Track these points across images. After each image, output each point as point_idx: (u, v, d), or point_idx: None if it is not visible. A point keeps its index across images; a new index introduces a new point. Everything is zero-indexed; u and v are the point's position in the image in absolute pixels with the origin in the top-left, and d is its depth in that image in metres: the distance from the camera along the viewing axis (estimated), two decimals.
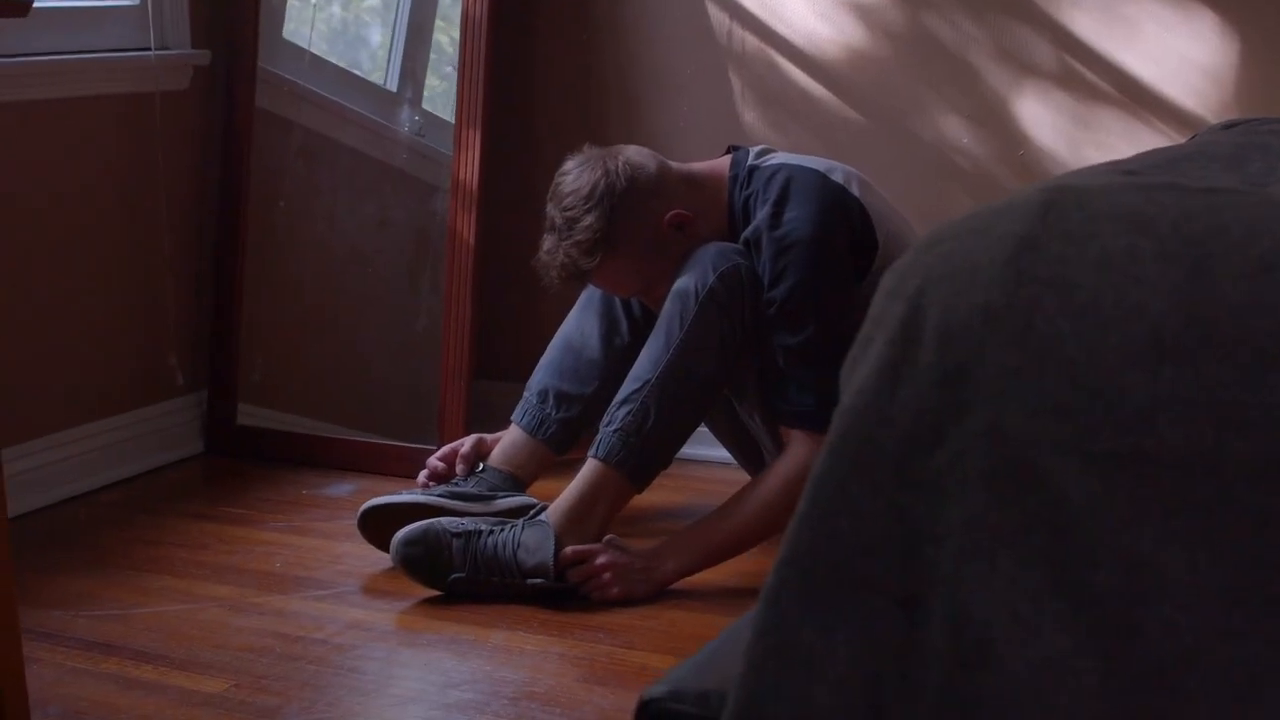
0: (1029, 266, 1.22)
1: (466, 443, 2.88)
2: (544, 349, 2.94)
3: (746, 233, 2.62)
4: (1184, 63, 2.88)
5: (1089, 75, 2.95)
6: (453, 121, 3.44)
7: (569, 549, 2.54)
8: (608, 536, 2.59)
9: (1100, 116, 2.95)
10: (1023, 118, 3.01)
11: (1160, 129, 2.90)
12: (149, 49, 3.23)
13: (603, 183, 2.64)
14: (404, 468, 3.23)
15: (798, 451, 2.59)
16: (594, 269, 2.65)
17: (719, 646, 1.41)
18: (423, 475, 2.88)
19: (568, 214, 2.64)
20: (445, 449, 2.90)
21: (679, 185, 2.70)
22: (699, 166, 2.75)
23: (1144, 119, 2.91)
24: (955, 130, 3.07)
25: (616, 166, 2.65)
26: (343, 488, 3.19)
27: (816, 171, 2.65)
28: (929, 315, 1.24)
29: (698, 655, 1.39)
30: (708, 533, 2.62)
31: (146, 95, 3.25)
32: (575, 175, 2.66)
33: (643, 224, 2.65)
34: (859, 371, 1.26)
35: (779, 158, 2.71)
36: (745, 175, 2.68)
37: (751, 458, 2.88)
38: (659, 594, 2.58)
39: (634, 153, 2.69)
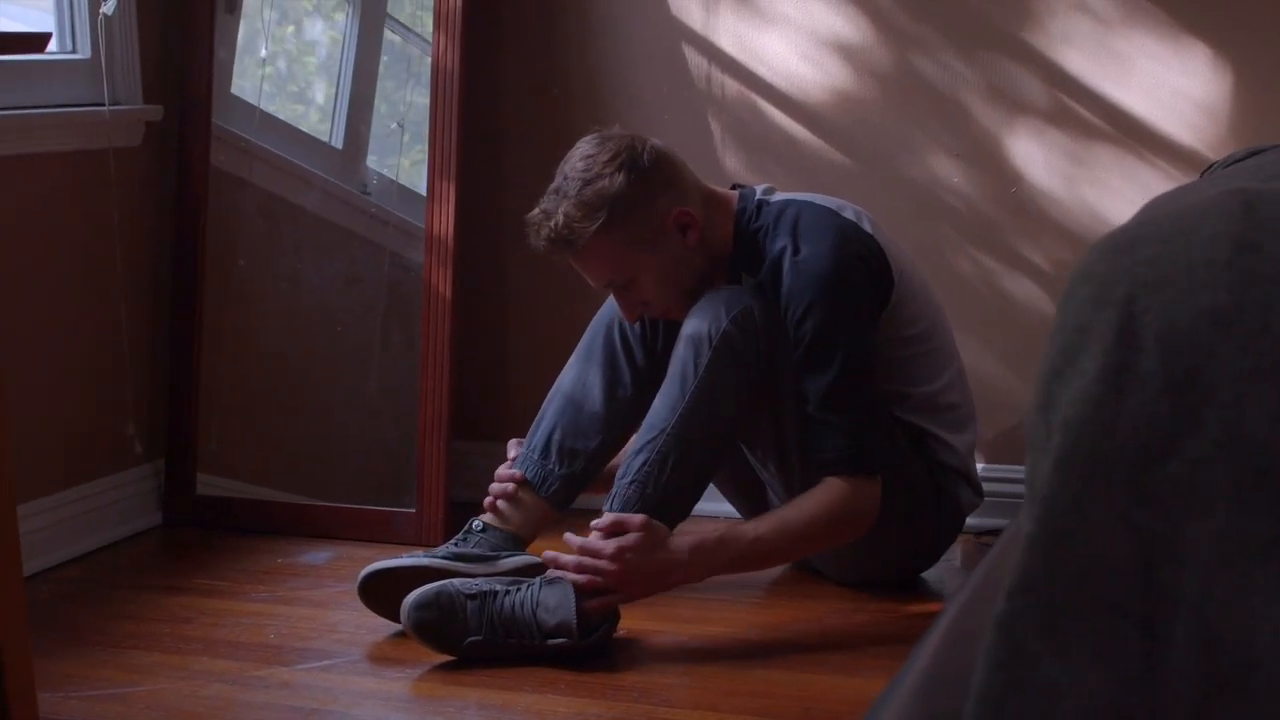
0: (1254, 266, 1.15)
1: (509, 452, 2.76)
2: (523, 406, 2.83)
3: (762, 274, 2.55)
4: (1178, 97, 2.87)
5: (1082, 112, 2.92)
6: (398, 180, 3.35)
7: (596, 522, 2.46)
8: (643, 517, 2.47)
9: (1095, 153, 2.93)
10: (1015, 155, 2.98)
11: (1156, 164, 2.88)
12: (102, 104, 3.09)
13: (626, 154, 2.53)
14: (378, 533, 3.12)
15: (834, 492, 2.51)
16: (587, 239, 2.51)
17: (892, 696, 1.32)
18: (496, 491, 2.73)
19: (582, 174, 2.52)
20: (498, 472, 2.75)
21: (695, 192, 2.61)
22: (715, 188, 2.67)
23: (1139, 154, 2.89)
24: (945, 170, 3.02)
25: (644, 145, 2.55)
26: (319, 555, 3.05)
27: (828, 208, 2.59)
28: (1147, 321, 1.17)
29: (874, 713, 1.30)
30: (728, 550, 2.51)
31: (99, 152, 3.11)
32: (597, 143, 2.56)
33: (651, 211, 2.54)
34: (1072, 383, 1.18)
35: (785, 195, 2.65)
36: (754, 209, 2.62)
37: (756, 509, 2.79)
38: (679, 639, 2.49)
39: (660, 143, 2.60)
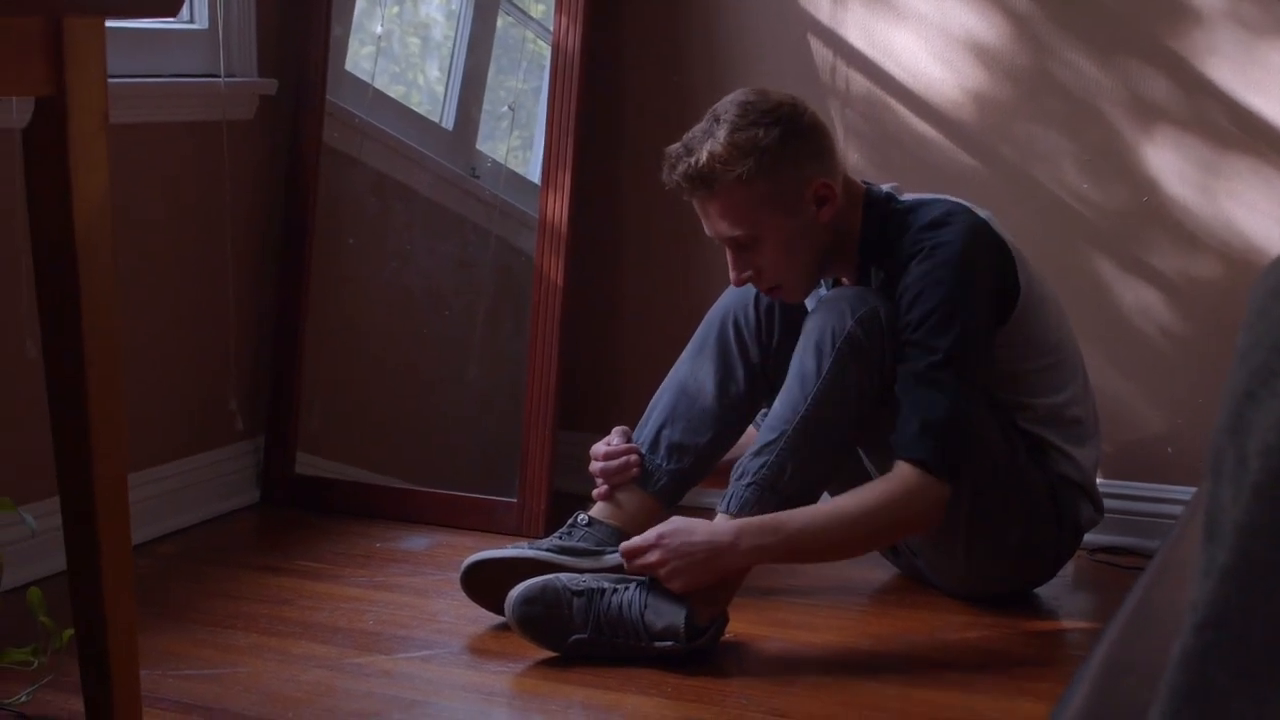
0: None
1: (615, 438, 2.68)
2: (632, 399, 2.76)
3: (889, 261, 2.48)
4: None
5: (1223, 122, 2.82)
6: (507, 164, 3.31)
7: (625, 544, 2.39)
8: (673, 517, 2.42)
9: (1234, 165, 2.83)
10: (1149, 164, 2.89)
11: None
12: (218, 75, 3.06)
13: (788, 111, 2.47)
14: (478, 520, 3.08)
15: (897, 483, 2.39)
16: (726, 183, 2.43)
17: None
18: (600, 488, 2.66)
19: (738, 118, 2.44)
20: (607, 450, 2.66)
21: (839, 172, 2.53)
22: (852, 176, 2.60)
23: None
24: (1075, 177, 2.94)
25: (805, 109, 2.50)
26: (418, 541, 3.01)
27: (962, 204, 2.53)
28: None
29: None
30: (776, 533, 2.37)
31: (212, 124, 3.08)
32: (758, 94, 2.49)
33: (795, 174, 2.46)
34: (1271, 406, 1.10)
35: (915, 195, 2.59)
36: (884, 199, 2.55)
37: None
38: (787, 645, 2.43)
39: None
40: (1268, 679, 1.05)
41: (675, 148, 2.48)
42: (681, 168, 2.45)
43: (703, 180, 2.44)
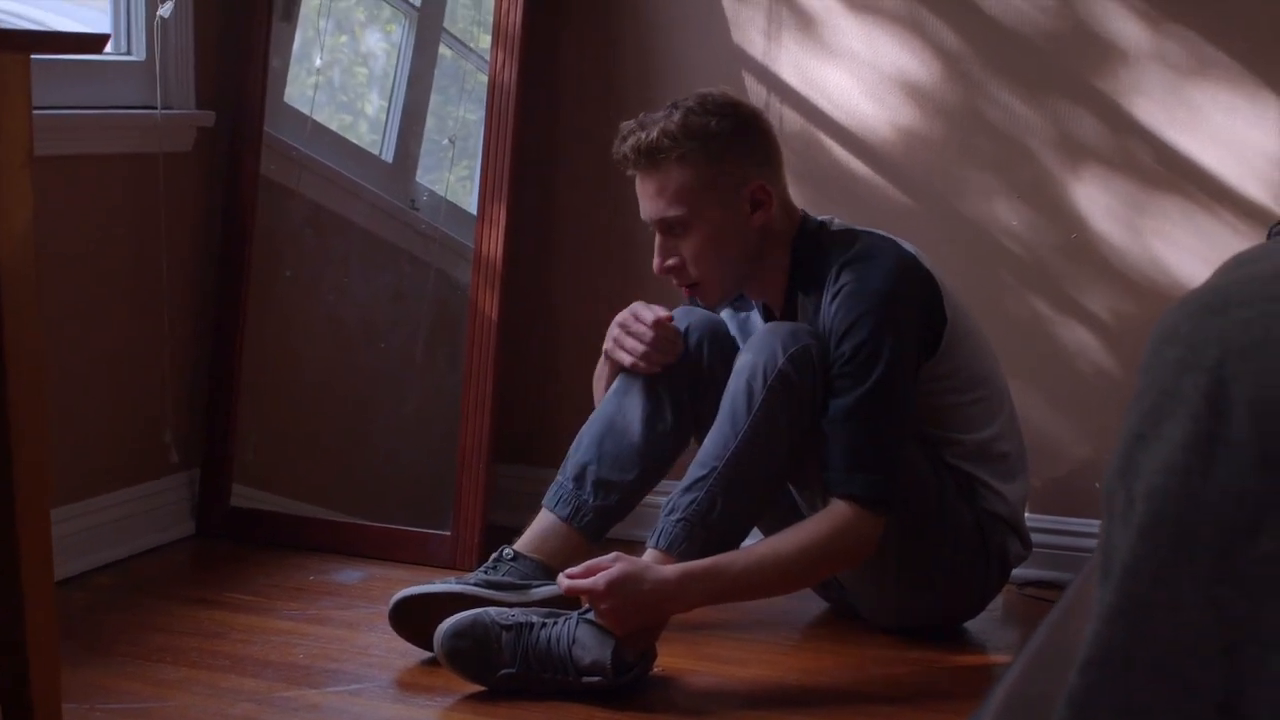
0: None
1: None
2: (566, 432, 2.78)
3: (816, 292, 2.51)
4: (1250, 150, 2.80)
5: (1149, 160, 2.86)
6: (447, 196, 3.32)
7: (569, 583, 2.37)
8: (614, 553, 2.41)
9: (1160, 203, 2.87)
10: (1077, 202, 2.92)
11: (1222, 216, 2.82)
12: (154, 108, 3.06)
13: (745, 111, 2.56)
14: (412, 554, 3.08)
15: (831, 520, 2.44)
16: (669, 160, 2.49)
17: None
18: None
19: (694, 104, 2.52)
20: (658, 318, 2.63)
21: (782, 187, 2.60)
22: (792, 200, 2.65)
23: (1205, 206, 2.83)
24: (1005, 213, 2.97)
25: (762, 116, 2.60)
26: (352, 574, 3.01)
27: (890, 238, 2.56)
28: (1237, 389, 1.12)
29: None
30: (719, 578, 2.41)
31: (149, 156, 3.08)
32: (719, 91, 2.58)
33: (738, 170, 2.53)
34: (1156, 449, 1.13)
35: (847, 225, 2.62)
36: (817, 227, 2.59)
37: None
38: (716, 680, 2.44)
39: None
40: (1146, 717, 1.07)
41: (629, 123, 2.56)
42: (631, 140, 2.52)
43: (649, 153, 2.51)
